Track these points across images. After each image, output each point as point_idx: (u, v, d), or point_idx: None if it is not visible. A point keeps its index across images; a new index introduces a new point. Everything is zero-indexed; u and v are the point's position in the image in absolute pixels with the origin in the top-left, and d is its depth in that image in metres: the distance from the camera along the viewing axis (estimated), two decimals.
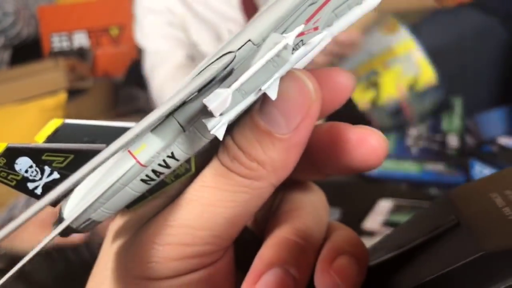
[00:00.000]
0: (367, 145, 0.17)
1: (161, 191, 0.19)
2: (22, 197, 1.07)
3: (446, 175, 0.98)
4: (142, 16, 1.13)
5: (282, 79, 0.16)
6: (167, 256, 0.17)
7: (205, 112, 0.16)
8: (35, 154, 0.19)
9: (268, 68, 0.16)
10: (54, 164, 0.20)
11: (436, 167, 1.00)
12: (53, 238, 0.19)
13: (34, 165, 0.20)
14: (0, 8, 1.62)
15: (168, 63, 1.08)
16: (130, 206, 0.20)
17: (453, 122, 1.13)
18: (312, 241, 0.19)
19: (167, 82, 1.07)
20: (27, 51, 1.72)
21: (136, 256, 0.18)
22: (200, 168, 0.19)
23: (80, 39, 1.78)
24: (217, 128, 0.16)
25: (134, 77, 1.56)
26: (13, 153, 0.19)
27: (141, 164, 0.18)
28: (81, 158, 0.20)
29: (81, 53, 1.71)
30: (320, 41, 0.17)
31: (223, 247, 0.18)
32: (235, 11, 1.09)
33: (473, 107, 1.15)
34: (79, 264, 0.98)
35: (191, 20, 1.10)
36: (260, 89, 0.16)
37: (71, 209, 0.20)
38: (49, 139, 0.20)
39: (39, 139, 0.20)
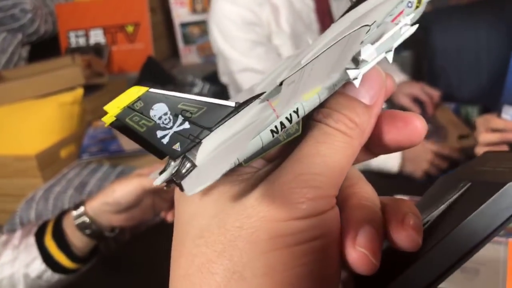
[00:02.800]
0: (412, 125, 0.23)
1: (273, 148, 0.21)
2: (40, 189, 1.09)
3: None
4: (230, 27, 1.13)
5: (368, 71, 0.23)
6: (306, 196, 0.20)
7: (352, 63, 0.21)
8: (174, 101, 0.20)
9: (390, 40, 0.22)
10: (187, 114, 0.20)
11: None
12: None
13: (169, 112, 0.20)
14: (19, 5, 1.65)
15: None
16: (248, 160, 0.21)
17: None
18: (376, 203, 0.23)
19: None
20: (45, 47, 1.75)
21: (273, 202, 0.20)
22: (303, 131, 0.22)
23: (96, 36, 1.80)
24: (358, 76, 0.21)
25: (149, 74, 1.58)
26: (152, 98, 0.20)
27: (276, 115, 0.20)
28: (212, 111, 0.21)
29: (97, 50, 1.74)
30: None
31: (335, 193, 0.22)
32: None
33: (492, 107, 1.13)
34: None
35: (275, 30, 1.12)
36: (389, 51, 0.22)
37: (205, 156, 0.20)
38: (129, 108, 0.19)
39: (113, 109, 0.19)
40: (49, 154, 1.15)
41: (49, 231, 0.60)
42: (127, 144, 1.15)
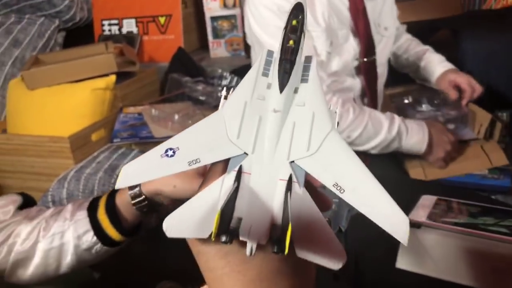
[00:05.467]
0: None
1: None
2: (72, 170, 1.14)
3: (490, 179, 0.98)
4: (267, 16, 1.14)
5: None
6: None
7: None
8: None
9: None
10: None
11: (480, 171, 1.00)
12: None
13: None
14: None
15: None
16: None
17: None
18: None
19: None
20: (79, 34, 1.80)
21: None
22: None
23: (129, 26, 1.84)
24: None
25: (179, 65, 1.61)
26: None
27: None
28: None
29: (129, 39, 1.78)
30: None
31: None
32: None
33: None
34: None
35: (311, 22, 1.13)
36: None
37: None
38: None
39: None
40: (81, 137, 1.19)
41: (102, 205, 0.62)
42: (157, 131, 1.18)
